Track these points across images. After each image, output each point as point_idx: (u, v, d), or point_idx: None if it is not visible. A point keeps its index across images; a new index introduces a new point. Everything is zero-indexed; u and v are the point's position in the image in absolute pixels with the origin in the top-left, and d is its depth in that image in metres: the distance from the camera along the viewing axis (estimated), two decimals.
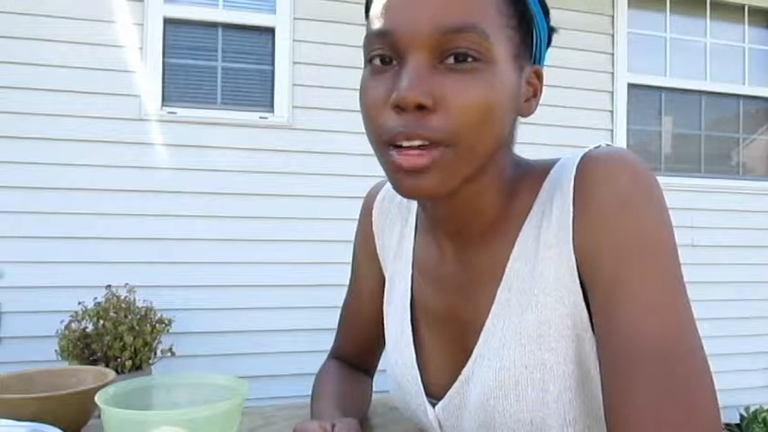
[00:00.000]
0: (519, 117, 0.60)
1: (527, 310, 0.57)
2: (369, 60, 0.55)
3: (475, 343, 0.61)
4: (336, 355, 0.89)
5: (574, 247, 0.54)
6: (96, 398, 0.55)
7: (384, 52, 0.54)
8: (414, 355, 0.68)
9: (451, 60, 0.51)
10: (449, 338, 0.65)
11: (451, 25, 0.50)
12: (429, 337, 0.68)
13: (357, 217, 0.82)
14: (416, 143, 0.51)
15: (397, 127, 0.51)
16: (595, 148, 0.56)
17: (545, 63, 0.62)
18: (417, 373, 0.67)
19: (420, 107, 0.50)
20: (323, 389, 0.79)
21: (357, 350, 0.86)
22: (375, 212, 0.78)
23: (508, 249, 0.60)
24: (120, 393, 0.60)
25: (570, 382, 0.55)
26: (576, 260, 0.54)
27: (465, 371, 0.62)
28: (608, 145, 0.57)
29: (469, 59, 0.51)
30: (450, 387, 0.64)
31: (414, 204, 0.74)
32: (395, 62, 0.53)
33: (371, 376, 0.90)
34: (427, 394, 0.67)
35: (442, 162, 0.51)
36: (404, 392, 0.69)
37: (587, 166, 0.55)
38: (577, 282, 0.54)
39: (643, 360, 0.47)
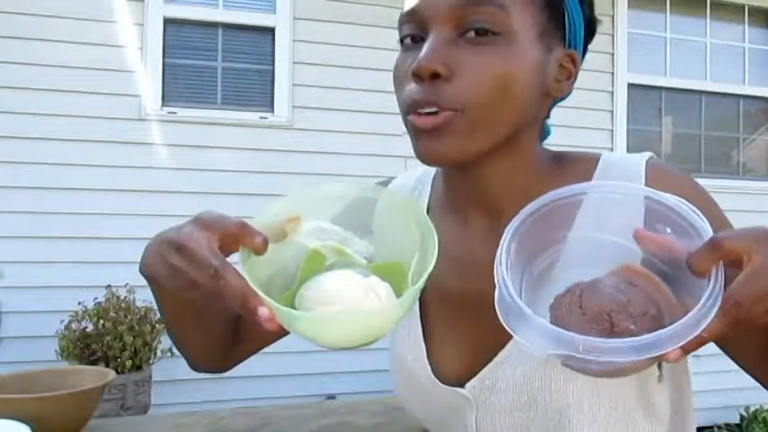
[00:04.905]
0: (550, 99, 0.62)
1: None
2: (401, 41, 0.59)
3: None
4: None
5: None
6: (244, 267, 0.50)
7: (412, 31, 0.58)
8: (424, 346, 0.67)
9: (472, 34, 0.54)
10: (471, 322, 0.64)
11: None
12: (445, 325, 0.67)
13: None
14: (432, 110, 0.54)
15: (415, 94, 0.55)
16: (651, 158, 0.61)
17: (580, 51, 0.63)
18: (426, 363, 0.66)
19: (435, 76, 0.54)
20: None
21: None
22: None
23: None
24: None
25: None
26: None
27: (503, 351, 0.61)
28: (652, 158, 0.62)
29: (488, 33, 0.54)
30: (473, 370, 0.63)
31: (423, 198, 0.73)
32: (423, 39, 0.57)
33: None
34: (442, 383, 0.65)
35: (454, 126, 0.54)
36: (415, 385, 0.68)
37: (657, 176, 0.59)
38: None
39: None
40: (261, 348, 0.77)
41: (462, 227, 0.66)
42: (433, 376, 0.66)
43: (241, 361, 0.77)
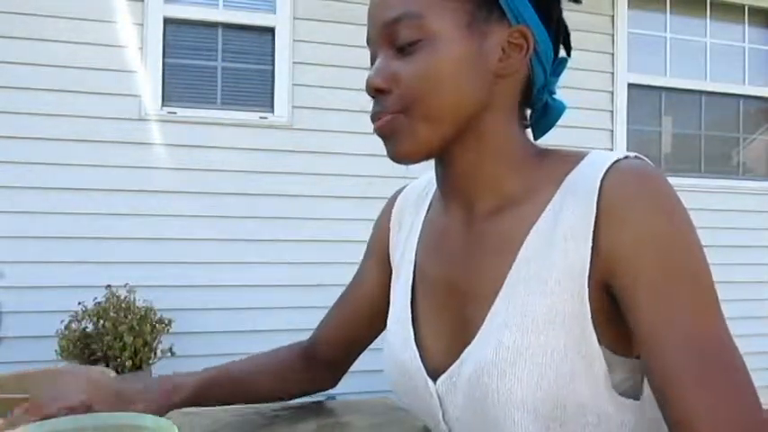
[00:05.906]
0: (509, 79, 0.62)
1: (537, 293, 0.57)
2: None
3: (479, 318, 0.61)
4: (309, 342, 0.89)
5: (593, 246, 0.55)
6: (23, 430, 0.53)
7: (371, 57, 0.66)
8: (412, 333, 0.69)
9: (401, 46, 0.61)
10: (450, 312, 0.66)
11: (388, 19, 0.61)
12: (430, 312, 0.69)
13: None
14: (384, 119, 0.63)
15: (371, 109, 0.65)
16: (624, 158, 0.58)
17: (534, 24, 0.62)
18: (416, 350, 0.68)
19: (380, 91, 0.62)
20: (245, 360, 0.85)
21: (332, 339, 0.86)
22: (396, 208, 0.82)
23: (524, 231, 0.60)
24: None
25: (569, 371, 0.55)
26: (597, 260, 0.55)
27: (468, 348, 0.62)
28: (636, 157, 0.59)
29: (411, 42, 0.60)
30: (451, 362, 0.63)
31: (430, 194, 0.77)
32: None
33: (333, 375, 0.90)
34: (427, 371, 0.66)
35: (399, 126, 0.62)
36: (404, 372, 0.69)
37: (616, 173, 0.57)
38: (586, 277, 0.56)
39: (705, 358, 0.51)
40: (358, 351, 0.87)
41: (444, 217, 0.70)
42: (420, 364, 0.67)
43: (347, 367, 0.90)
